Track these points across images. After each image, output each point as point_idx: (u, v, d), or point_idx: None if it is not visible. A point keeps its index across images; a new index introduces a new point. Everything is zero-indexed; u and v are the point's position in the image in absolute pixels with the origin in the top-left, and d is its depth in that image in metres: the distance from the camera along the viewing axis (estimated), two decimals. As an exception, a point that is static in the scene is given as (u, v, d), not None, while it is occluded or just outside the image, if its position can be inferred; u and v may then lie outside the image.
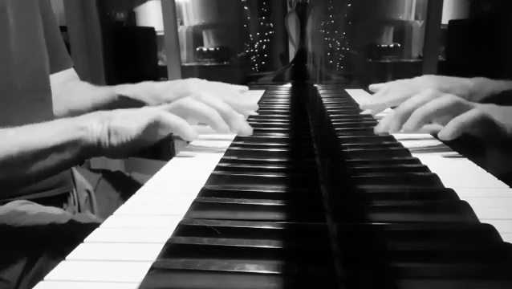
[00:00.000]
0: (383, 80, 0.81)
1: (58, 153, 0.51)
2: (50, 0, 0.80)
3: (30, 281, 0.52)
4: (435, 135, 0.58)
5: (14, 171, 0.50)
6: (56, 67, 0.81)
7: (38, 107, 0.71)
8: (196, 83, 0.75)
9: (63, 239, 0.55)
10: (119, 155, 0.53)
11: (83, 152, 0.52)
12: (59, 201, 0.72)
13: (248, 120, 0.73)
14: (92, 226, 0.35)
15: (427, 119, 0.53)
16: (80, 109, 0.78)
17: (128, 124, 0.51)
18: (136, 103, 0.75)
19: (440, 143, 0.57)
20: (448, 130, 0.50)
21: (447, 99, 0.52)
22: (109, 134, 0.51)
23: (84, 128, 0.51)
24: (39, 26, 0.74)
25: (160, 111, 0.52)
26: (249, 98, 0.90)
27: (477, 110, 0.50)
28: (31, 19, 0.72)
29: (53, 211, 0.64)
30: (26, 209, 0.61)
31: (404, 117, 0.55)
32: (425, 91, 0.55)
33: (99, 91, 0.80)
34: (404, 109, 0.55)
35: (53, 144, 0.50)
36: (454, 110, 0.51)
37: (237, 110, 0.70)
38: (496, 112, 0.52)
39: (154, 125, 0.51)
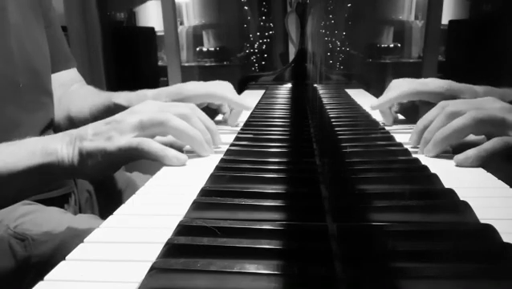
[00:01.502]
0: (383, 80, 0.81)
1: (26, 179, 0.48)
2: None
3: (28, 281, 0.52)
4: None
5: None
6: (57, 66, 0.80)
7: (40, 107, 0.71)
8: (190, 85, 0.71)
9: (63, 239, 0.55)
10: (98, 176, 0.50)
11: (53, 176, 0.49)
12: (61, 201, 0.72)
13: (248, 120, 0.73)
14: (92, 226, 0.35)
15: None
16: (79, 117, 0.76)
17: (102, 143, 0.47)
18: None
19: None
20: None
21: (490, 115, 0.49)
22: (81, 157, 0.47)
23: (53, 152, 0.47)
24: (41, 28, 0.73)
25: (139, 139, 0.48)
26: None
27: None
28: (32, 20, 0.71)
29: (54, 211, 0.64)
30: (27, 210, 0.61)
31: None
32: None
33: (97, 97, 0.77)
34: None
35: (20, 169, 0.47)
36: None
37: (232, 105, 0.71)
38: None
39: (132, 151, 0.48)
